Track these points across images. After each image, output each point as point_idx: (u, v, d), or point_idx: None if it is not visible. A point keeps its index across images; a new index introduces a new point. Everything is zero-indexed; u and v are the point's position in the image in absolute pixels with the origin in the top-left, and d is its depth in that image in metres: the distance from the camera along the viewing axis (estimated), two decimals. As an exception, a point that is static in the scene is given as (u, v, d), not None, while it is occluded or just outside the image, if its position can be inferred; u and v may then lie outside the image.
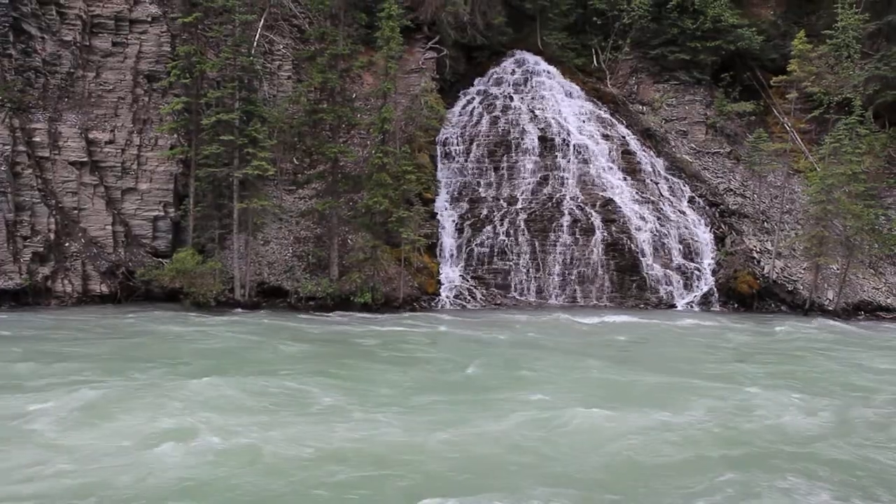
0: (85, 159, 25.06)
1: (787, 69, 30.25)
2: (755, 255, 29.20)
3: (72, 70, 25.32)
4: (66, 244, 24.42)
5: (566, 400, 13.22)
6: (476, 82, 33.96)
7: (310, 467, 9.71)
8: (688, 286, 28.89)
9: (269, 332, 20.06)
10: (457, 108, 32.56)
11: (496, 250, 28.57)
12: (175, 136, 25.96)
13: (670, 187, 31.30)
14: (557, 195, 29.76)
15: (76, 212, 24.92)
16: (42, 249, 23.61)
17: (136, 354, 16.50)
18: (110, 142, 25.60)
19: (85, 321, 20.82)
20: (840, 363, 18.36)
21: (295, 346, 18.32)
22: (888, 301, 28.40)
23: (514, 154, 30.79)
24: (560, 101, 32.83)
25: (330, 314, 24.21)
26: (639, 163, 31.55)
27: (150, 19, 26.34)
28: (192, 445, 10.14)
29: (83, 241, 24.72)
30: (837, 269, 28.34)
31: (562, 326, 23.42)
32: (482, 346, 19.16)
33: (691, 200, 31.05)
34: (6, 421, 11.20)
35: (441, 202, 29.77)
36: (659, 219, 29.76)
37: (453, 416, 12.24)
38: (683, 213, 30.47)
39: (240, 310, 23.99)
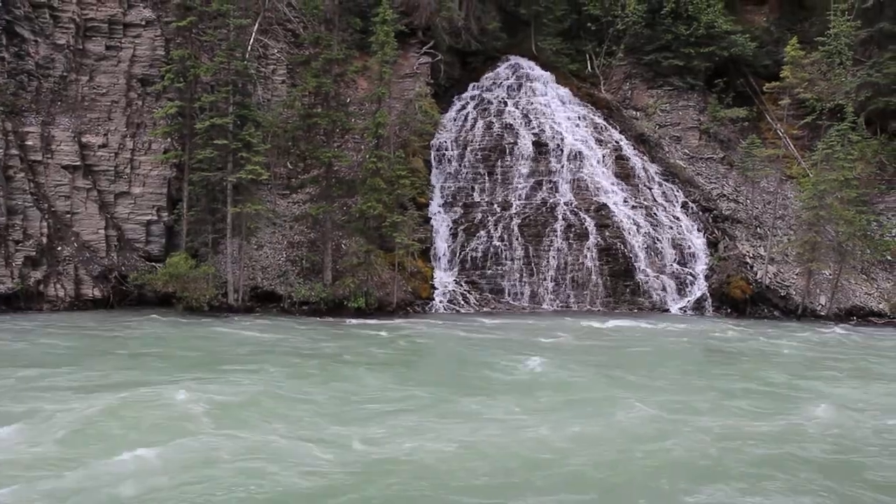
0: (78, 163, 24.99)
1: (780, 75, 30.38)
2: (748, 260, 29.28)
3: (65, 73, 25.26)
4: (59, 248, 24.34)
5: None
6: (470, 87, 34.01)
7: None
8: (681, 291, 28.96)
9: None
10: (451, 113, 32.61)
11: (490, 255, 28.59)
12: (169, 140, 25.93)
13: (664, 192, 31.38)
14: (551, 200, 29.80)
15: (69, 216, 24.85)
16: (34, 253, 23.52)
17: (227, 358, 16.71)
18: (103, 146, 25.54)
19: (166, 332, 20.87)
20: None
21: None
22: (880, 306, 28.51)
23: (508, 159, 30.83)
24: (554, 107, 32.90)
25: (348, 319, 24.15)
26: (632, 168, 31.63)
27: (144, 23, 26.31)
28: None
29: (76, 245, 24.64)
30: (830, 275, 28.44)
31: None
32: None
33: (685, 206, 31.13)
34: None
35: (435, 207, 29.79)
36: (652, 224, 29.84)
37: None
38: (677, 218, 30.56)
39: (234, 315, 23.96)
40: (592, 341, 21.59)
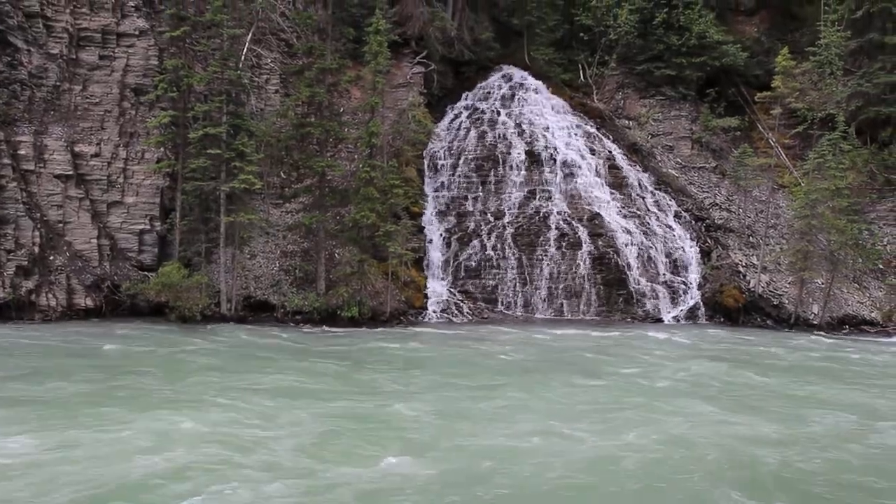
0: (70, 172, 24.93)
1: (772, 85, 30.60)
2: (741, 269, 29.36)
3: (58, 83, 25.23)
4: (51, 258, 24.24)
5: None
6: (463, 97, 34.11)
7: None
8: (674, 300, 29.01)
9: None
10: (444, 123, 32.68)
11: (483, 264, 28.61)
12: (162, 149, 25.89)
13: (656, 202, 31.47)
14: (544, 209, 29.86)
15: (61, 225, 24.76)
16: (26, 263, 23.42)
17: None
18: (96, 155, 25.49)
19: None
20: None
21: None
22: (872, 315, 28.60)
23: (501, 168, 30.89)
24: (547, 116, 33.00)
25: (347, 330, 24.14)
26: (625, 177, 31.73)
27: (137, 33, 26.32)
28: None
29: (68, 254, 24.55)
30: (822, 284, 28.53)
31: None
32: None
33: (677, 215, 31.23)
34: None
35: (428, 216, 29.81)
36: (645, 233, 29.91)
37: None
38: (670, 227, 30.64)
39: (231, 323, 23.90)
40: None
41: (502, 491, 9.82)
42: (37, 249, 23.77)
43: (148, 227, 25.97)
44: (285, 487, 9.56)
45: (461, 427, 12.58)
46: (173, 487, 9.41)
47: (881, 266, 30.22)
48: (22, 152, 24.30)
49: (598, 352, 21.26)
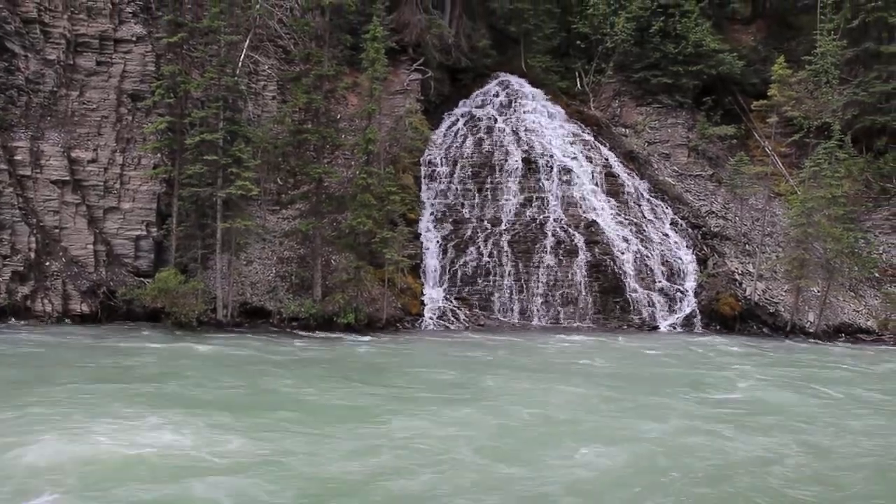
0: (67, 178, 24.90)
1: (768, 94, 30.68)
2: (737, 277, 29.40)
3: (55, 89, 25.22)
4: (47, 263, 24.20)
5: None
6: (460, 104, 34.15)
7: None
8: (671, 308, 29.02)
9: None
10: (441, 130, 32.72)
11: (480, 271, 28.61)
12: (158, 155, 25.88)
13: (653, 209, 31.51)
14: (541, 217, 29.88)
15: (57, 231, 24.72)
16: (22, 269, 23.37)
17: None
18: (93, 161, 25.47)
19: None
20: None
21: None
22: (868, 324, 28.64)
23: (497, 175, 30.92)
24: (544, 124, 33.06)
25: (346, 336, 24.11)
26: (622, 185, 31.77)
27: (134, 39, 26.34)
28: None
29: (64, 260, 24.51)
30: (818, 292, 28.56)
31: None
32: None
33: (674, 222, 31.27)
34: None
35: (425, 223, 29.81)
36: (642, 240, 29.94)
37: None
38: (666, 234, 30.68)
39: (229, 330, 23.87)
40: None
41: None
42: (33, 255, 23.73)
43: (144, 232, 25.93)
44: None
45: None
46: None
47: (877, 274, 30.27)
48: (18, 158, 24.28)
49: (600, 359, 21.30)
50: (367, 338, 23.77)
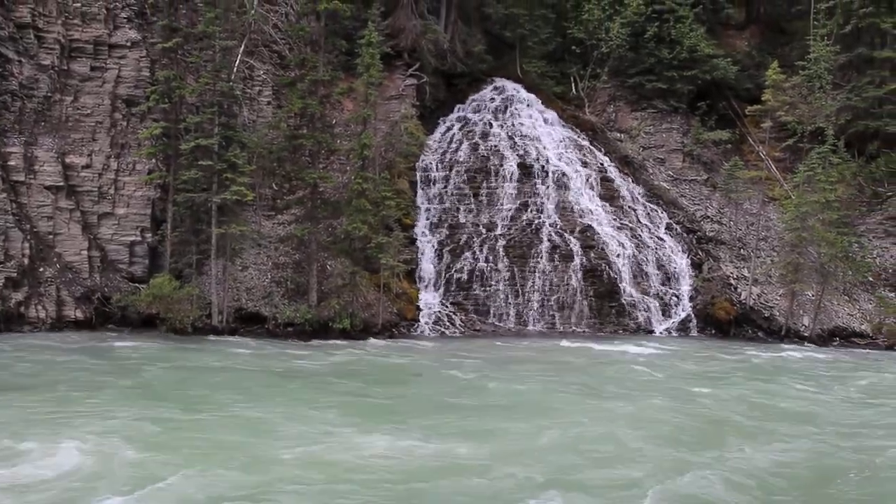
0: (61, 184, 24.82)
1: (762, 99, 30.79)
2: (732, 281, 29.45)
3: (49, 94, 25.15)
4: (41, 269, 24.09)
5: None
6: (456, 109, 34.13)
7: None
8: (666, 312, 29.05)
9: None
10: (437, 135, 32.71)
11: (475, 276, 28.58)
12: (153, 160, 25.81)
13: (648, 214, 31.56)
14: (536, 221, 29.88)
15: (51, 236, 24.62)
16: (15, 275, 23.26)
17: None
18: (87, 166, 25.39)
19: None
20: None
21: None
22: (862, 327, 28.71)
23: (493, 180, 30.92)
24: (539, 129, 33.08)
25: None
26: (617, 190, 31.81)
27: (129, 44, 26.28)
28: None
29: (58, 266, 24.41)
30: (813, 296, 28.63)
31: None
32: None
33: (669, 227, 31.31)
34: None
35: (420, 228, 29.79)
36: (637, 245, 29.97)
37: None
38: (661, 239, 30.71)
39: (225, 336, 23.79)
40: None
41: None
42: (26, 261, 23.62)
43: (139, 238, 25.85)
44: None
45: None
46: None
47: (871, 278, 30.37)
48: (12, 163, 24.18)
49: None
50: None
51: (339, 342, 23.90)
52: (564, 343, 25.11)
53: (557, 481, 10.64)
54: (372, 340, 24.65)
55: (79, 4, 25.76)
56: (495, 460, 11.55)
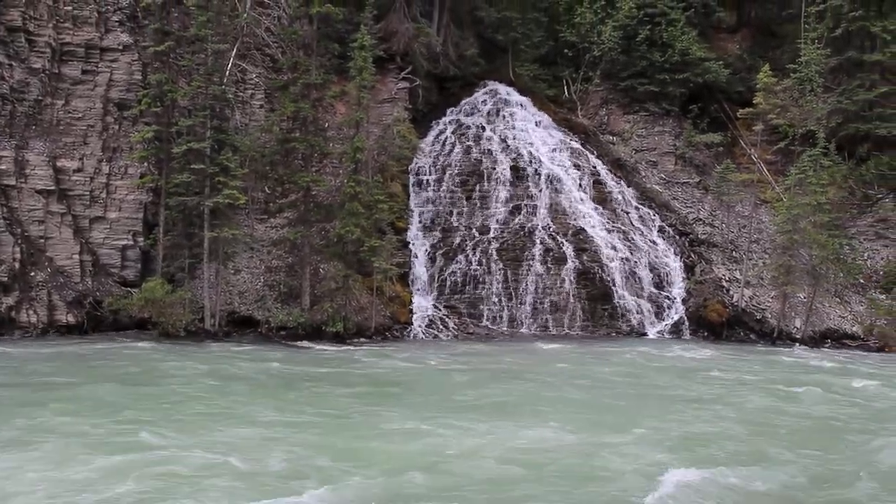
0: (52, 188, 24.72)
1: (753, 102, 30.87)
2: (724, 283, 29.53)
3: (40, 97, 25.05)
4: (32, 274, 23.98)
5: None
6: (448, 112, 34.13)
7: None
8: (658, 315, 29.11)
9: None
10: (429, 138, 32.70)
11: (468, 279, 28.58)
12: (145, 164, 25.74)
13: (641, 217, 31.62)
14: (529, 224, 29.91)
15: (42, 241, 24.51)
16: (6, 279, 23.16)
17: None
18: (79, 170, 25.29)
19: None
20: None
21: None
22: (853, 329, 28.82)
23: (486, 183, 30.94)
24: (532, 132, 33.12)
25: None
26: (609, 192, 31.87)
27: (121, 48, 26.22)
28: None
29: (49, 270, 24.29)
30: (804, 298, 28.73)
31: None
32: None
33: (661, 230, 31.37)
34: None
35: (413, 231, 29.77)
36: (630, 248, 30.02)
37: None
38: (654, 242, 30.78)
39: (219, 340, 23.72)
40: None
41: None
42: (17, 265, 23.51)
43: (131, 242, 25.77)
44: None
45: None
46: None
47: (862, 280, 30.50)
48: (3, 167, 24.07)
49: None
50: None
51: (340, 345, 23.87)
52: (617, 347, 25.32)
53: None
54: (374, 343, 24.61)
55: (70, 8, 25.68)
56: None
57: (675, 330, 28.69)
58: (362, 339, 25.13)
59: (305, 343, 24.24)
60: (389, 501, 9.84)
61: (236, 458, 11.23)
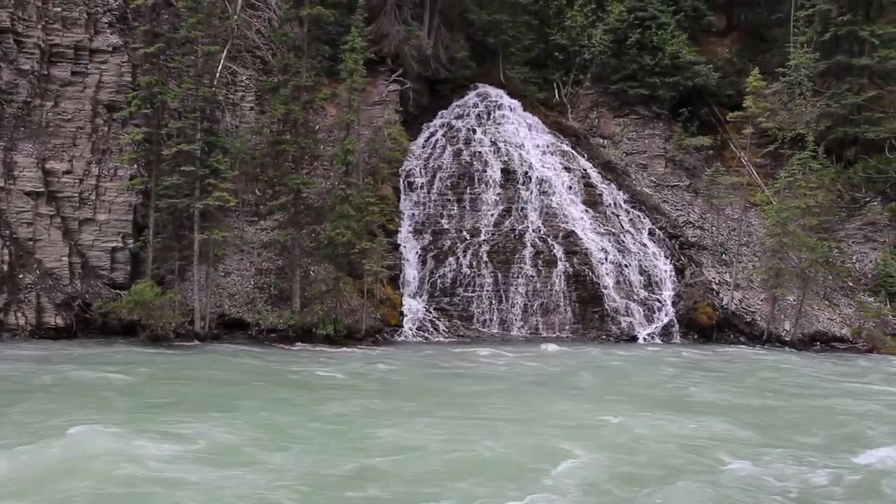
0: (41, 189, 24.58)
1: (743, 105, 31.01)
2: (714, 286, 29.65)
3: (29, 99, 24.92)
4: (20, 276, 23.84)
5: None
6: (439, 115, 34.18)
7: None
8: (649, 317, 29.19)
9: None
10: (420, 141, 32.74)
11: (459, 282, 28.61)
12: (135, 166, 25.61)
13: (631, 219, 31.72)
14: (520, 227, 29.96)
15: (31, 242, 24.37)
16: (-6, 281, 23.03)
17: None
18: (68, 172, 25.16)
19: None
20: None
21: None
22: (842, 332, 28.98)
23: (476, 186, 30.99)
24: (522, 135, 33.19)
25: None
26: (600, 195, 31.96)
27: (110, 49, 26.11)
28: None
29: (38, 272, 24.16)
30: (794, 301, 28.87)
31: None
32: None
33: (651, 232, 31.48)
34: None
35: (404, 234, 29.78)
36: (620, 251, 30.11)
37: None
38: (644, 244, 30.87)
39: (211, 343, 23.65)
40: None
41: None
42: (6, 267, 23.38)
43: (120, 244, 25.65)
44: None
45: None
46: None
47: (850, 283, 30.67)
48: (-9, 169, 23.93)
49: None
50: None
51: (333, 348, 23.83)
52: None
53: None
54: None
55: (59, 9, 25.57)
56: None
57: (666, 333, 28.78)
58: (352, 342, 25.09)
59: (299, 345, 24.22)
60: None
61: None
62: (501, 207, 30.55)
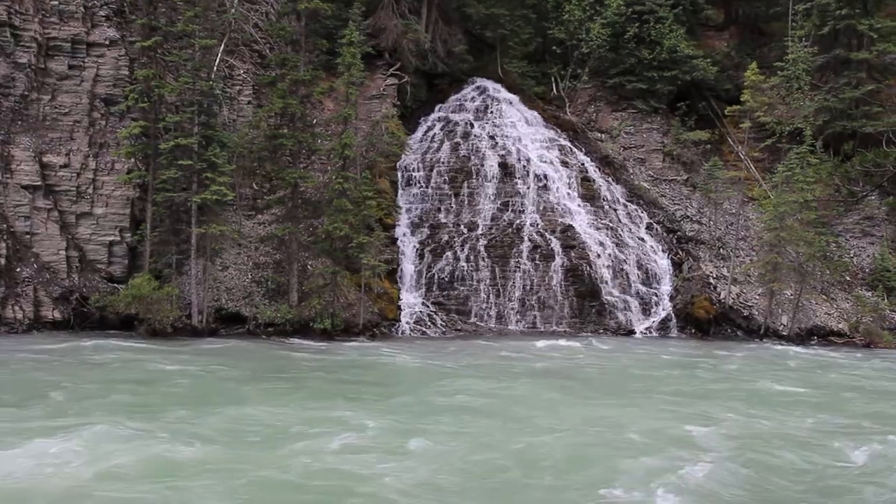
0: (38, 183, 24.57)
1: (741, 99, 31.01)
2: (712, 280, 29.66)
3: (26, 93, 24.89)
4: (18, 269, 23.84)
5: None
6: (437, 109, 34.15)
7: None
8: (646, 312, 29.21)
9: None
10: (418, 135, 32.72)
11: (456, 276, 28.61)
12: (132, 160, 25.59)
13: (629, 214, 31.73)
14: (517, 221, 29.97)
15: (28, 236, 24.37)
16: (-8, 275, 23.02)
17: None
18: (65, 165, 25.14)
19: None
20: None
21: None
22: (840, 326, 29.01)
23: (474, 180, 30.97)
24: (520, 129, 33.17)
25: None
26: (598, 190, 31.96)
27: (108, 43, 26.06)
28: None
29: (35, 266, 24.16)
30: (791, 295, 28.90)
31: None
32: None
33: (649, 227, 31.49)
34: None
35: (402, 228, 29.77)
36: (618, 245, 30.11)
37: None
38: (642, 239, 30.87)
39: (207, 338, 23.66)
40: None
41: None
42: (3, 261, 23.37)
43: (118, 238, 25.64)
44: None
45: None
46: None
47: (848, 278, 30.71)
48: (-12, 162, 23.91)
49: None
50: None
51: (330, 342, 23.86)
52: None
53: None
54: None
55: (56, 2, 25.51)
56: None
57: (663, 327, 28.80)
58: (350, 336, 25.10)
59: (296, 339, 24.24)
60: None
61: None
62: (499, 202, 30.55)
